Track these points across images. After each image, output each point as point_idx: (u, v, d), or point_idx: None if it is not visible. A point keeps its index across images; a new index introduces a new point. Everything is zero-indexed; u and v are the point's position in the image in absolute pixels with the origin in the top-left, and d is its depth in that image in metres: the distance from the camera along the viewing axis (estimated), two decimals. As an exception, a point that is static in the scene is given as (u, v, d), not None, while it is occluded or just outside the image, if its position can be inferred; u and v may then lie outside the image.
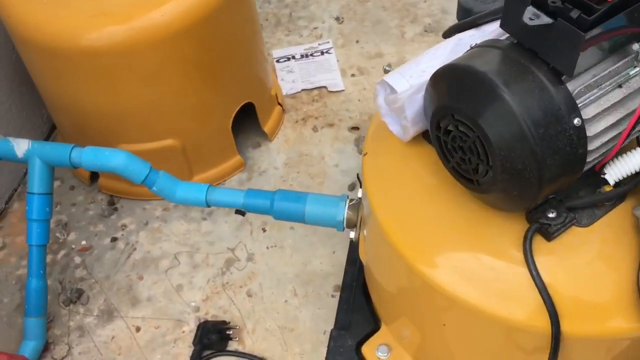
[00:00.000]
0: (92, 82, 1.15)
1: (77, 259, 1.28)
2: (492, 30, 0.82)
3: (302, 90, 1.56)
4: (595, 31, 0.59)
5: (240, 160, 1.40)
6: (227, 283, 1.22)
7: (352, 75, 1.59)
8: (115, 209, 1.36)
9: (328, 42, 1.67)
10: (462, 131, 0.68)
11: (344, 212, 1.03)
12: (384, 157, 0.87)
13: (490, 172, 0.67)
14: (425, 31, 1.68)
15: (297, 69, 1.61)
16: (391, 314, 1.00)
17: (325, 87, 1.56)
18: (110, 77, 1.14)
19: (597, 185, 0.76)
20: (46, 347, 1.15)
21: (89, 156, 1.06)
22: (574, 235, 0.74)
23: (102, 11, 1.09)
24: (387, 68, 1.00)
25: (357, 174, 1.37)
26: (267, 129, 1.44)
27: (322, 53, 1.64)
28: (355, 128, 1.47)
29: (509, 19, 0.66)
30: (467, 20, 0.84)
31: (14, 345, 1.15)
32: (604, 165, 0.72)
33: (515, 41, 0.68)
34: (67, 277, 1.25)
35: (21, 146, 1.08)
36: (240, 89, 1.32)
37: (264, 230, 1.30)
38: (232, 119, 1.32)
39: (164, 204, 1.36)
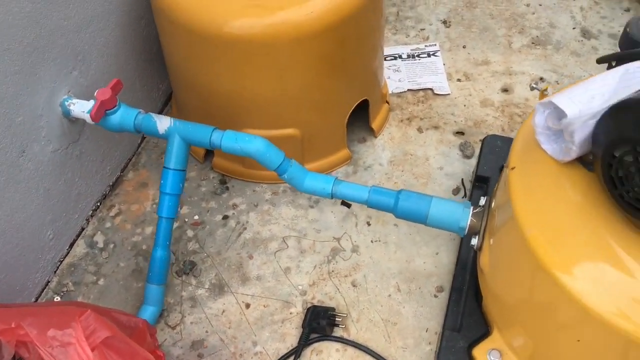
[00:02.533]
0: (229, 68, 1.20)
1: (190, 233, 1.34)
2: (660, 64, 0.85)
3: (408, 90, 1.59)
4: None
5: (348, 154, 1.44)
6: (332, 271, 1.27)
7: (458, 80, 1.61)
8: (227, 188, 1.42)
9: (435, 45, 1.69)
10: (642, 163, 0.71)
11: (469, 219, 1.07)
12: (535, 174, 0.90)
13: (666, 205, 0.70)
14: (533, 43, 1.69)
15: (404, 68, 1.64)
16: (506, 321, 1.03)
17: (431, 89, 1.59)
18: (247, 65, 1.19)
19: None
20: (160, 314, 1.22)
21: (229, 139, 1.11)
22: None
23: (253, 2, 1.13)
24: (534, 86, 1.03)
25: (462, 179, 1.41)
26: (374, 125, 1.47)
27: (429, 55, 1.67)
28: (460, 133, 1.50)
29: None
30: (633, 51, 0.86)
31: (130, 308, 1.22)
32: None
33: None
34: (180, 249, 1.32)
35: (163, 123, 1.14)
36: (360, 86, 1.36)
37: (369, 224, 1.34)
38: (349, 115, 1.36)
39: (273, 188, 1.41)
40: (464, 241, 1.22)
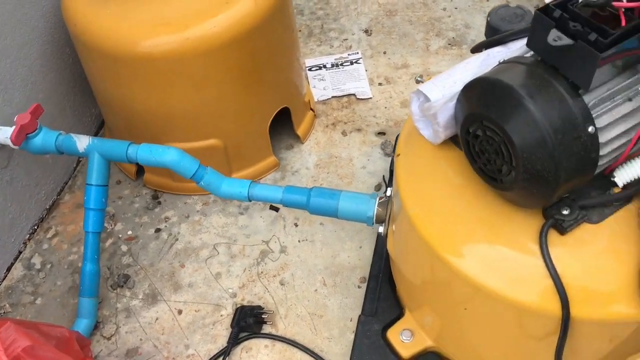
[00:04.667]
0: (147, 86, 1.27)
1: (124, 247, 1.39)
2: (517, 48, 0.92)
3: (333, 97, 1.67)
4: (610, 52, 0.68)
5: (275, 161, 1.50)
6: (261, 272, 1.32)
7: (380, 84, 1.69)
8: (159, 203, 1.47)
9: (357, 53, 1.77)
10: (490, 136, 0.78)
11: (374, 209, 1.13)
12: (415, 158, 0.97)
13: (513, 172, 0.77)
14: (449, 44, 1.78)
15: (328, 77, 1.71)
16: (415, 302, 1.10)
17: (354, 94, 1.66)
18: (163, 82, 1.25)
19: (607, 188, 0.85)
20: (96, 326, 1.25)
21: (144, 152, 1.16)
22: (585, 231, 0.83)
23: (160, 21, 1.20)
24: (418, 79, 1.11)
25: (383, 176, 1.48)
26: (300, 132, 1.54)
27: (352, 63, 1.75)
28: (381, 133, 1.57)
29: (535, 39, 0.76)
30: (494, 37, 0.93)
31: (66, 324, 1.26)
32: (613, 169, 0.82)
33: (539, 58, 0.78)
34: (114, 263, 1.36)
35: (82, 141, 1.19)
36: (278, 95, 1.43)
37: (296, 225, 1.40)
38: (269, 122, 1.42)
39: (204, 199, 1.46)
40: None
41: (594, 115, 0.74)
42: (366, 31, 1.85)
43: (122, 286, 1.32)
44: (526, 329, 0.89)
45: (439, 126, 0.88)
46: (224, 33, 1.21)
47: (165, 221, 1.43)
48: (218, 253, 1.36)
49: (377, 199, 1.14)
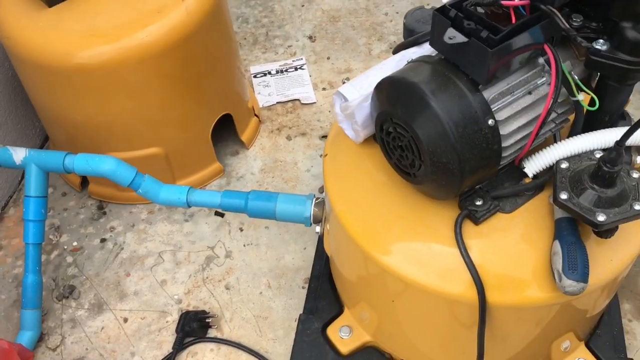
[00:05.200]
0: (83, 97, 1.28)
1: (69, 259, 1.39)
2: (430, 47, 0.96)
3: (277, 102, 1.69)
4: (504, 47, 0.72)
5: (219, 167, 1.52)
6: (207, 278, 1.34)
7: (324, 89, 1.72)
8: (104, 213, 1.47)
9: (301, 59, 1.80)
10: (400, 132, 0.81)
11: (311, 209, 1.16)
12: (341, 158, 1.00)
13: (422, 166, 0.81)
14: (390, 48, 1.82)
15: (273, 83, 1.74)
16: (352, 299, 1.12)
17: (298, 99, 1.69)
18: (100, 92, 1.26)
19: (519, 178, 0.89)
20: (41, 338, 1.25)
21: (81, 162, 1.17)
22: (499, 220, 0.87)
23: (92, 32, 1.21)
24: (345, 81, 1.14)
25: (327, 178, 1.50)
26: (244, 138, 1.56)
27: (296, 69, 1.78)
28: (325, 136, 1.60)
29: (436, 38, 0.80)
30: (410, 39, 0.97)
31: (10, 337, 1.26)
32: (522, 160, 0.86)
33: (442, 57, 0.81)
34: (59, 275, 1.36)
35: (19, 154, 1.20)
36: (219, 102, 1.45)
37: (241, 230, 1.42)
38: (211, 129, 1.44)
39: (149, 208, 1.47)
40: (319, 232, 1.30)
41: (494, 109, 0.78)
42: (310, 37, 1.88)
43: (68, 297, 1.32)
44: (454, 318, 0.92)
45: (358, 125, 0.91)
46: (157, 42, 1.22)
47: (111, 231, 1.44)
48: (163, 260, 1.38)
49: (314, 200, 1.16)
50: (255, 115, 1.62)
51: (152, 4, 1.26)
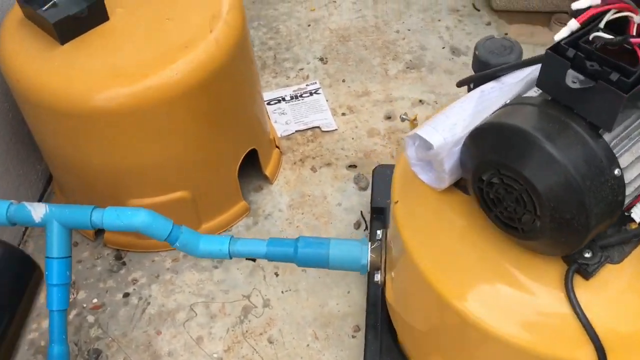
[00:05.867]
0: (103, 141, 1.16)
1: (91, 318, 1.26)
2: (511, 82, 0.88)
3: (296, 131, 1.59)
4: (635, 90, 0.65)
5: (245, 206, 1.41)
6: (247, 331, 1.23)
7: (343, 114, 1.63)
8: (124, 264, 1.35)
9: (315, 83, 1.71)
10: (508, 184, 0.73)
11: (368, 256, 1.07)
12: (416, 205, 0.91)
13: (537, 222, 0.72)
14: (407, 67, 1.75)
15: (289, 110, 1.64)
16: (422, 351, 1.03)
17: (318, 127, 1.60)
18: (122, 136, 1.14)
19: (622, 223, 0.82)
20: (68, 412, 1.13)
21: (111, 217, 1.05)
22: (609, 272, 0.79)
23: (114, 71, 1.09)
24: (403, 117, 1.05)
25: (361, 212, 1.41)
26: (268, 172, 1.46)
27: (311, 94, 1.68)
28: (352, 166, 1.51)
29: (546, 79, 0.72)
30: (486, 72, 0.89)
31: (34, 414, 1.13)
32: (632, 207, 0.78)
33: (549, 98, 0.73)
34: (82, 337, 1.23)
35: (38, 211, 1.06)
36: (246, 136, 1.34)
37: (277, 275, 1.32)
38: (238, 166, 1.34)
39: (173, 255, 1.36)
40: (370, 277, 1.21)
41: (616, 156, 0.70)
42: (321, 59, 1.79)
43: (94, 363, 1.20)
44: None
45: (445, 173, 0.83)
46: (186, 79, 1.11)
47: (133, 284, 1.31)
48: (196, 314, 1.26)
49: (369, 245, 1.07)
50: (277, 146, 1.52)
51: (177, 35, 1.15)
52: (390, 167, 1.35)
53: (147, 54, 1.12)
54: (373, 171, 1.35)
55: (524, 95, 0.78)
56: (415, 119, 1.00)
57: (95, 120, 1.11)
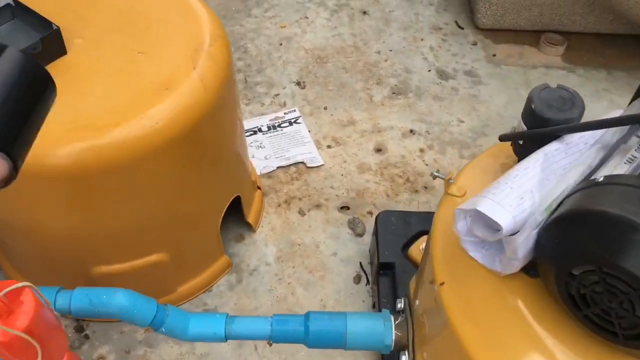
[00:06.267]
0: (63, 204, 0.95)
1: (49, 411, 1.04)
2: (577, 143, 0.75)
3: (278, 167, 1.42)
4: None
5: (227, 261, 1.23)
6: (241, 416, 1.05)
7: (328, 146, 1.47)
8: (87, 337, 1.14)
9: (295, 111, 1.54)
10: (612, 284, 0.59)
11: (392, 334, 0.91)
12: (469, 287, 0.76)
13: (647, 330, 0.59)
14: (394, 93, 1.60)
15: (267, 143, 1.46)
16: None
17: (302, 162, 1.43)
18: (89, 198, 0.94)
19: None
20: None
21: (81, 300, 0.87)
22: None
23: (79, 122, 0.89)
24: (435, 174, 0.90)
25: (360, 263, 1.26)
26: (250, 219, 1.28)
27: (291, 123, 1.51)
28: (345, 207, 1.35)
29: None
30: (544, 130, 0.75)
31: None
32: None
33: (653, 176, 0.60)
34: None
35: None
36: (230, 184, 1.16)
37: (270, 345, 1.14)
38: (221, 218, 1.15)
39: (146, 324, 1.15)
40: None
41: None
42: (298, 83, 1.62)
43: None
44: None
45: (517, 260, 0.68)
46: (167, 128, 0.92)
47: (100, 363, 1.11)
48: (179, 398, 1.07)
49: (393, 320, 0.92)
50: (258, 187, 1.34)
51: (153, 73, 0.95)
52: (395, 214, 1.21)
53: (120, 98, 0.92)
54: (376, 218, 1.20)
55: (616, 174, 0.64)
56: (451, 178, 0.85)
57: (52, 181, 0.90)
